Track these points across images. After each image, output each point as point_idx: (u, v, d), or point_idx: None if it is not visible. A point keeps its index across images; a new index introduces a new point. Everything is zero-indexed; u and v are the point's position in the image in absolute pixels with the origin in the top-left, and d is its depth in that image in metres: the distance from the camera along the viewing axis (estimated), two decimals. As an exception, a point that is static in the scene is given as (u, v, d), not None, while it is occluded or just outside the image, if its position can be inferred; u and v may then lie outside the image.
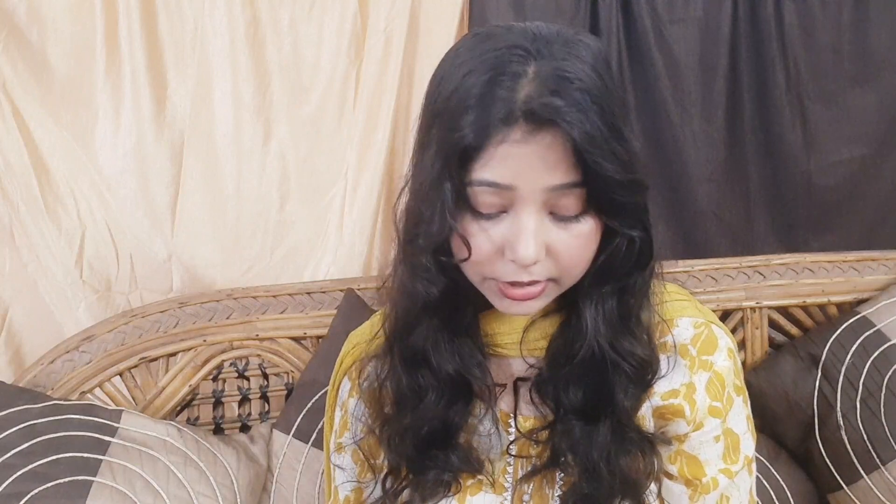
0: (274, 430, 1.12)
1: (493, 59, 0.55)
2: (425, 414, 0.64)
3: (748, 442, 0.68)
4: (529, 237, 0.55)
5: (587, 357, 0.61)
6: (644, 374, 0.63)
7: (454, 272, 0.61)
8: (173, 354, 1.16)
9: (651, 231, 0.60)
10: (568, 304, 0.63)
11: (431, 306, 0.62)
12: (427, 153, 0.58)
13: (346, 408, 0.75)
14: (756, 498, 0.70)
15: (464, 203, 0.57)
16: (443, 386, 0.64)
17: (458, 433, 0.66)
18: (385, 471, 0.68)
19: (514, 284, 0.58)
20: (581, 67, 0.54)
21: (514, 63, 0.54)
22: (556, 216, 0.57)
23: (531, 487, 0.67)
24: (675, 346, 0.66)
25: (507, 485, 0.67)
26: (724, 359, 0.67)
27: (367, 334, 0.73)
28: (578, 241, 0.58)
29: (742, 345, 1.26)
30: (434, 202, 0.57)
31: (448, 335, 0.63)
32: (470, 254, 0.58)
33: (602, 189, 0.55)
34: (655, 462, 0.64)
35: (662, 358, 0.65)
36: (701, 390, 0.66)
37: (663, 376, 0.65)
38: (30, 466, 0.94)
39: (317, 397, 1.11)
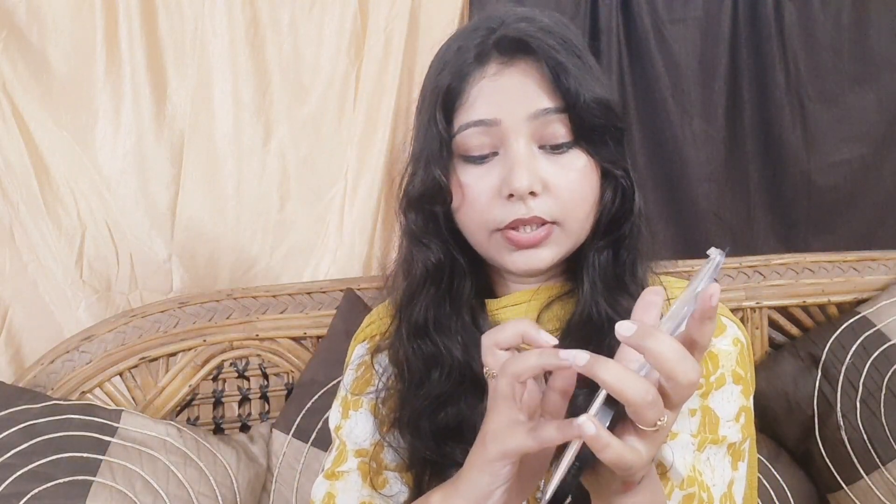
0: (274, 429, 1.12)
1: (470, 27, 0.65)
2: (433, 391, 0.64)
3: (733, 430, 0.63)
4: (521, 165, 0.59)
5: (586, 319, 0.61)
6: None
7: (451, 240, 0.65)
8: (173, 354, 1.16)
9: (632, 176, 0.64)
10: (578, 285, 0.64)
11: (430, 275, 0.65)
12: (420, 120, 0.65)
13: (365, 366, 0.74)
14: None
15: (453, 153, 0.62)
16: (446, 362, 0.64)
17: (473, 429, 0.64)
18: (407, 470, 0.67)
19: (518, 229, 0.61)
20: (542, 17, 0.63)
21: (486, 23, 0.63)
22: (546, 148, 0.61)
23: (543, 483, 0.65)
24: None
25: None
26: (728, 344, 0.65)
27: (381, 312, 0.75)
28: (573, 176, 0.61)
29: (742, 345, 1.26)
30: (423, 153, 0.63)
31: (449, 308, 0.65)
32: (463, 198, 0.62)
33: (582, 114, 0.60)
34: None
35: None
36: None
37: None
38: (30, 466, 0.94)
39: (316, 397, 1.11)
